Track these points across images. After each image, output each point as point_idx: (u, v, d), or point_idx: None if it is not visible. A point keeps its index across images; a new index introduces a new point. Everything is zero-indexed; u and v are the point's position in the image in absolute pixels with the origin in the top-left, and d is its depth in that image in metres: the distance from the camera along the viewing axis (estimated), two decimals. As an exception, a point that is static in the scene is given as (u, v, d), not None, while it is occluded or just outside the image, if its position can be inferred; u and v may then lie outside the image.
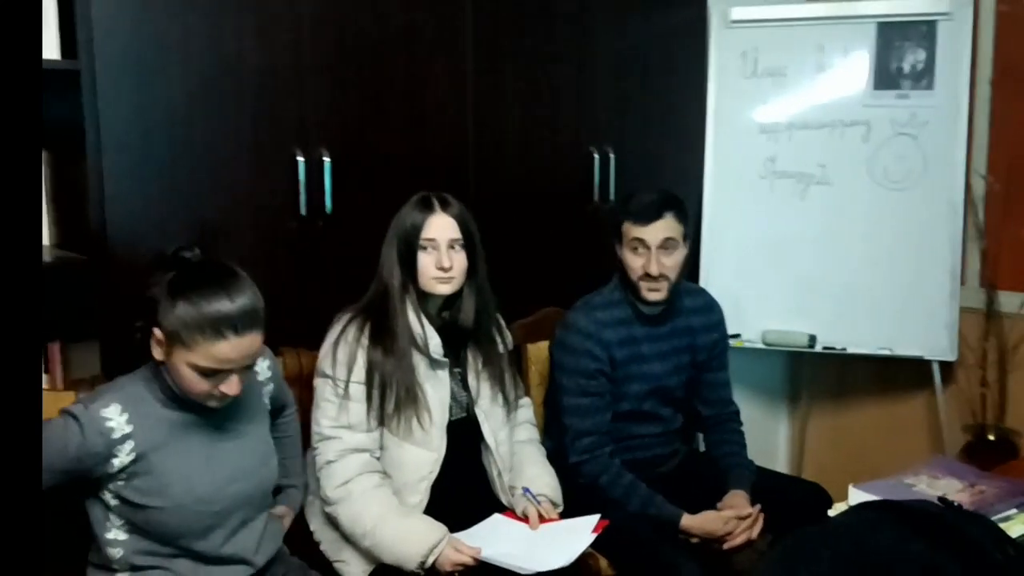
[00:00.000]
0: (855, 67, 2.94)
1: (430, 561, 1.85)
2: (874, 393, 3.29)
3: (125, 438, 1.60)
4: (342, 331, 1.99)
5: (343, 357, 1.96)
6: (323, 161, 2.24)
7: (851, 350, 2.96)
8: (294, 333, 2.17)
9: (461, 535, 1.93)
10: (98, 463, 1.60)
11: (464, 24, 2.50)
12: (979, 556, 0.95)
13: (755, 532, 2.14)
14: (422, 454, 1.98)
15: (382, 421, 1.97)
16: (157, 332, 1.61)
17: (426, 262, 1.98)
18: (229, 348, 1.57)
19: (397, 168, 2.39)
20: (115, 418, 1.60)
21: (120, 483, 1.63)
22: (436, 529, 1.88)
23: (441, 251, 1.98)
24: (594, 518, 2.00)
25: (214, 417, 1.71)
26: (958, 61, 2.84)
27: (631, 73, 2.88)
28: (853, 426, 3.37)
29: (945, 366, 2.98)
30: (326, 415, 1.96)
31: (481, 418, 2.08)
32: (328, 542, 2.02)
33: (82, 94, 1.92)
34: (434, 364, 2.01)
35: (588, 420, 2.23)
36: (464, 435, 2.06)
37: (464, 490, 2.04)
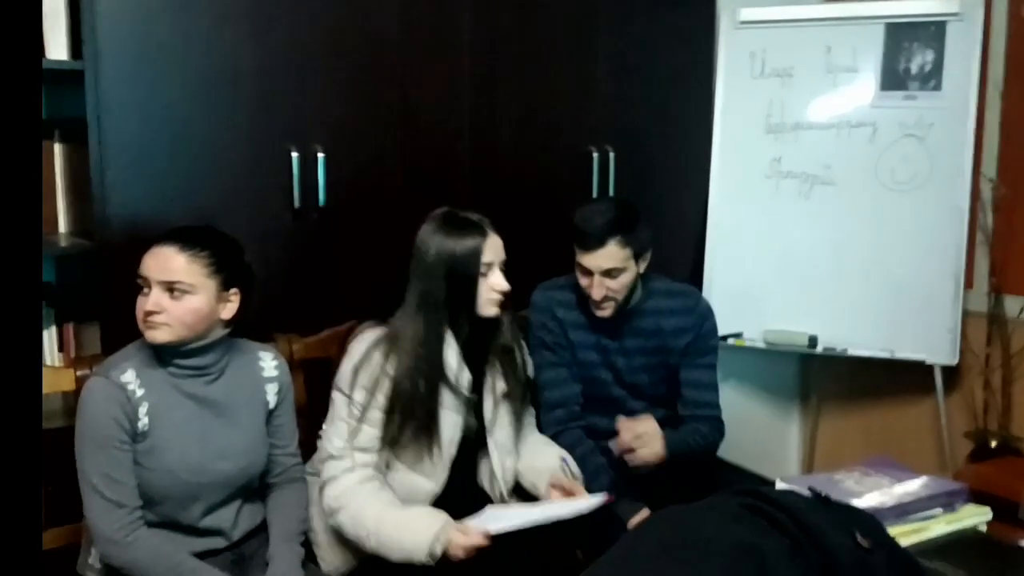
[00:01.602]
0: (863, 68, 2.93)
1: (439, 549, 1.80)
2: (884, 396, 3.27)
3: (141, 400, 1.74)
4: (366, 354, 1.95)
5: (366, 382, 1.93)
6: (317, 156, 2.35)
7: (852, 352, 2.96)
8: (287, 320, 2.29)
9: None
10: (133, 425, 1.73)
11: (461, 23, 2.58)
12: (813, 540, 0.99)
13: (646, 453, 2.12)
14: (424, 483, 2.00)
15: (393, 443, 1.96)
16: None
17: (484, 286, 1.96)
18: (153, 254, 1.74)
19: (391, 164, 2.49)
20: (132, 381, 1.74)
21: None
22: (436, 516, 1.86)
23: (498, 273, 1.97)
24: (601, 496, 1.98)
25: (210, 394, 1.83)
26: (967, 63, 2.81)
27: (635, 73, 2.92)
28: (862, 429, 3.35)
29: (949, 371, 2.95)
30: (339, 435, 1.94)
31: (491, 446, 2.08)
32: (317, 543, 2.03)
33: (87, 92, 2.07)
34: (457, 399, 2.00)
35: (557, 392, 2.28)
36: (465, 462, 2.07)
37: (458, 513, 1.96)
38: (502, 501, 2.08)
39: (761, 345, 3.04)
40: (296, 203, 2.35)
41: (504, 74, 2.68)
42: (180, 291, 1.73)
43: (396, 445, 1.96)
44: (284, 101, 2.33)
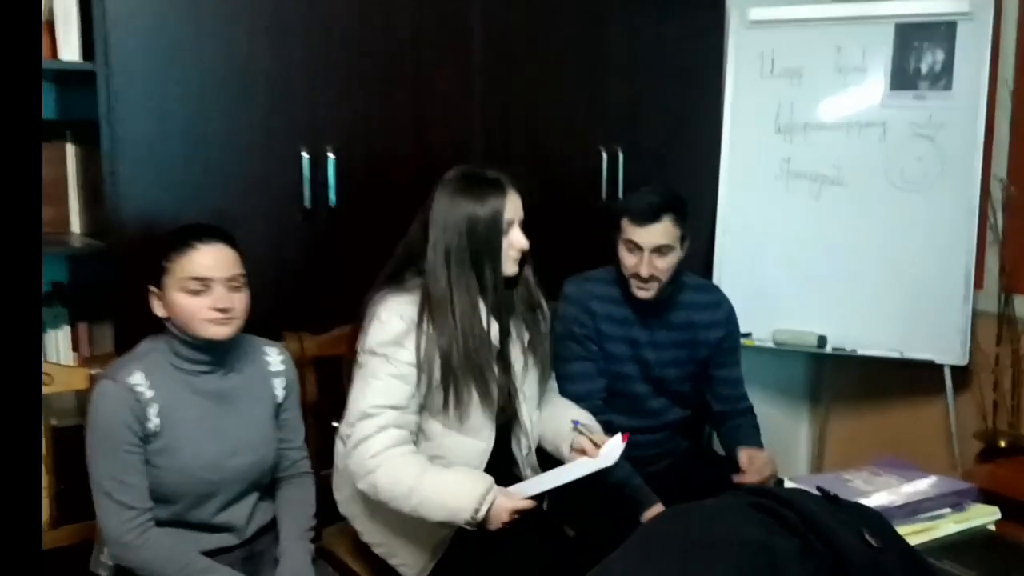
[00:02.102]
0: (873, 68, 2.93)
1: (483, 511, 1.78)
2: (893, 396, 3.27)
3: (150, 401, 1.75)
4: (403, 316, 1.91)
5: (402, 338, 1.90)
6: (327, 156, 2.37)
7: (861, 352, 2.96)
8: (297, 318, 2.30)
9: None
10: (144, 427, 1.74)
11: (472, 23, 2.59)
12: (823, 539, 1.00)
13: (766, 472, 2.19)
14: (476, 444, 1.98)
15: (442, 407, 1.94)
16: (152, 288, 1.79)
17: (505, 244, 1.94)
18: (201, 254, 1.75)
19: (401, 164, 2.50)
20: (141, 383, 1.75)
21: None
22: (482, 478, 1.84)
23: (518, 230, 1.95)
24: (617, 436, 1.96)
25: (221, 390, 1.84)
26: (978, 62, 2.81)
27: (646, 72, 2.93)
28: (872, 429, 3.35)
29: (958, 371, 2.95)
30: (373, 391, 1.89)
31: (520, 399, 2.06)
32: (382, 544, 2.00)
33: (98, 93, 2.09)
34: (492, 353, 1.98)
35: (581, 386, 2.27)
36: (502, 421, 2.05)
37: (498, 477, 1.95)
38: (528, 457, 2.08)
39: (771, 345, 3.04)
40: (307, 203, 2.37)
41: (514, 75, 2.69)
42: (238, 285, 1.79)
43: (433, 406, 1.93)
44: (295, 102, 2.34)
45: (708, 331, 2.38)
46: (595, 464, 1.92)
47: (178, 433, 1.77)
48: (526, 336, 2.07)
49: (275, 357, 1.96)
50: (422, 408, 1.94)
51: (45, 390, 1.91)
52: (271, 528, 1.96)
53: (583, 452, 1.97)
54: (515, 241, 1.95)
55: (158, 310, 1.80)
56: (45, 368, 1.94)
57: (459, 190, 1.95)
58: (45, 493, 1.96)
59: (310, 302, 2.41)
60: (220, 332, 1.78)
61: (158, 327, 1.84)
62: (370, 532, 2.01)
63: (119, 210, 2.15)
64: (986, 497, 1.63)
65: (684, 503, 1.12)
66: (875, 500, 1.51)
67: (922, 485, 1.59)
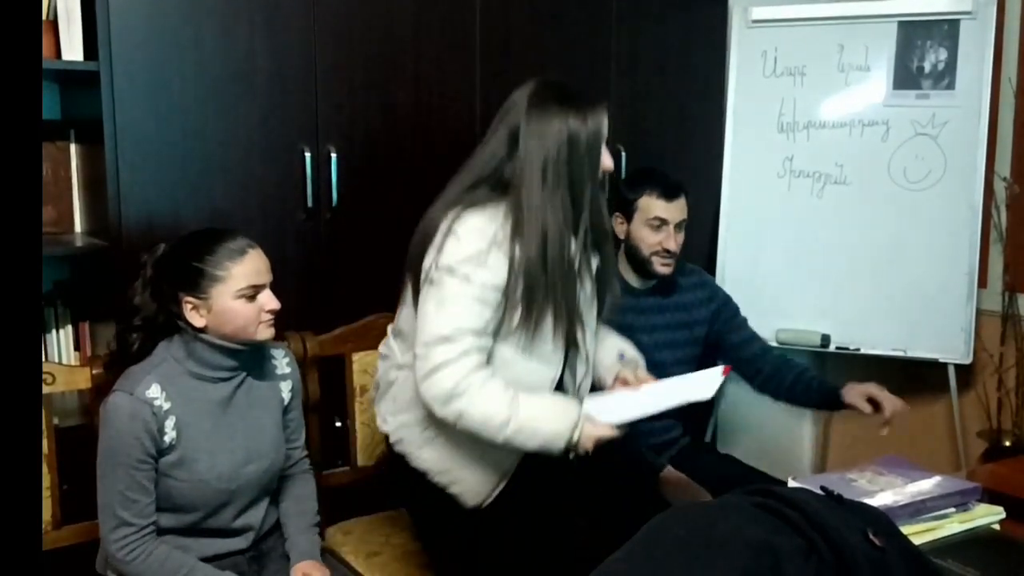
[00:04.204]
0: (875, 67, 2.93)
1: (576, 437, 1.74)
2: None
3: (167, 414, 1.73)
4: (479, 229, 1.77)
5: (483, 257, 1.75)
6: (330, 156, 2.37)
7: (865, 351, 2.95)
8: (299, 318, 2.30)
9: None
10: (158, 442, 1.72)
11: (473, 23, 2.59)
12: (827, 539, 1.00)
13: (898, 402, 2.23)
14: (544, 371, 1.87)
15: (519, 330, 1.81)
16: (188, 299, 1.74)
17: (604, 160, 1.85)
18: (253, 260, 1.77)
19: (403, 163, 2.51)
20: (158, 396, 1.72)
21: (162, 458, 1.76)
22: (572, 404, 1.79)
23: (607, 152, 1.86)
24: (718, 368, 1.93)
25: (234, 398, 1.83)
26: (981, 61, 2.80)
27: (647, 72, 2.93)
28: (876, 428, 3.32)
29: (962, 370, 2.94)
30: (453, 314, 1.76)
31: (584, 327, 1.94)
32: (444, 472, 1.88)
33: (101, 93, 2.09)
34: (572, 276, 1.86)
35: None
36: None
37: None
38: (582, 387, 1.98)
39: (774, 344, 3.03)
40: (309, 202, 2.37)
41: (517, 74, 2.65)
42: (270, 288, 1.80)
43: (509, 330, 1.81)
44: (297, 101, 2.35)
45: (701, 308, 2.47)
46: (690, 395, 1.86)
47: (194, 445, 1.76)
48: (595, 263, 1.96)
49: (281, 359, 1.96)
50: (496, 332, 1.82)
51: (47, 390, 1.91)
52: (276, 528, 1.97)
53: (626, 383, 1.93)
54: (606, 162, 1.86)
55: (196, 320, 1.75)
56: (47, 368, 1.94)
57: (558, 102, 1.81)
58: (48, 493, 1.96)
59: (312, 301, 2.41)
60: (271, 333, 1.81)
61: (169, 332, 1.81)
62: (430, 460, 1.88)
63: (122, 209, 2.15)
64: (990, 496, 1.62)
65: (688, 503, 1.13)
66: (879, 500, 1.50)
67: (926, 485, 1.58)
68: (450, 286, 1.76)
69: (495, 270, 1.76)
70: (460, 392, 1.74)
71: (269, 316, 1.79)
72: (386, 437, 1.97)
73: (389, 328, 2.01)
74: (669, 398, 1.87)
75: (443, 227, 1.80)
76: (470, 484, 1.88)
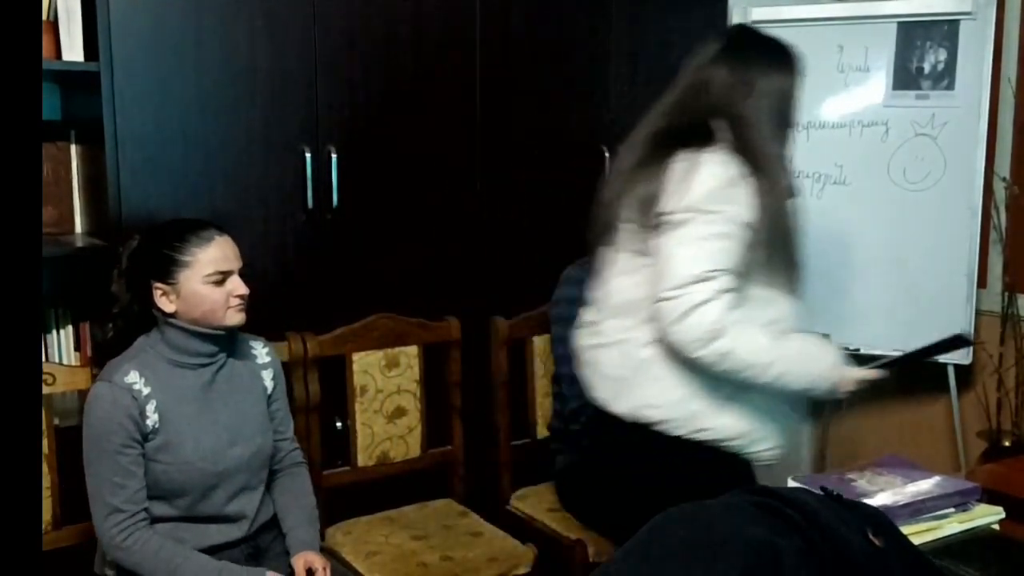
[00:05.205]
0: (875, 67, 2.92)
1: (838, 377, 1.78)
2: (897, 396, 3.26)
3: (148, 398, 1.77)
4: (723, 164, 1.76)
5: (731, 192, 1.74)
6: (330, 156, 2.37)
7: (865, 351, 2.94)
8: (299, 319, 2.31)
9: None
10: (141, 426, 1.76)
11: (473, 22, 2.59)
12: (826, 539, 1.00)
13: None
14: (787, 303, 1.86)
15: (764, 269, 1.81)
16: (157, 285, 1.79)
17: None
18: (219, 247, 1.80)
19: (403, 164, 2.51)
20: (137, 381, 1.76)
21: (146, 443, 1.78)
22: (829, 343, 1.81)
23: None
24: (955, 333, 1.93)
25: (215, 383, 1.86)
26: (980, 62, 2.80)
27: (647, 72, 2.93)
28: (875, 428, 3.35)
29: (962, 370, 2.95)
30: (707, 253, 1.72)
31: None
32: (743, 435, 1.83)
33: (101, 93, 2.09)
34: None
35: (578, 386, 2.21)
36: None
37: None
38: None
39: (773, 344, 3.03)
40: (309, 203, 2.37)
41: (516, 73, 2.69)
42: (241, 274, 1.84)
43: (773, 269, 1.81)
44: (298, 101, 2.35)
45: None
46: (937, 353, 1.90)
47: (177, 428, 1.79)
48: None
49: (261, 349, 1.99)
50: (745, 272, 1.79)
51: (47, 390, 1.93)
52: (275, 524, 1.98)
53: None
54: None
55: (166, 306, 1.80)
56: (47, 368, 1.96)
57: (778, 56, 1.90)
58: (48, 493, 1.97)
59: (313, 302, 2.41)
60: (241, 318, 1.84)
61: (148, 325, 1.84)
62: (728, 425, 1.82)
63: (122, 209, 2.15)
64: (990, 497, 1.63)
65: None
66: (879, 500, 1.51)
67: (926, 485, 1.58)
68: (700, 225, 1.73)
69: (744, 205, 1.74)
70: (722, 331, 1.69)
71: (238, 301, 1.82)
72: (628, 428, 1.86)
73: (591, 317, 1.97)
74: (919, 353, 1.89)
75: (677, 171, 1.78)
76: (772, 439, 1.85)
